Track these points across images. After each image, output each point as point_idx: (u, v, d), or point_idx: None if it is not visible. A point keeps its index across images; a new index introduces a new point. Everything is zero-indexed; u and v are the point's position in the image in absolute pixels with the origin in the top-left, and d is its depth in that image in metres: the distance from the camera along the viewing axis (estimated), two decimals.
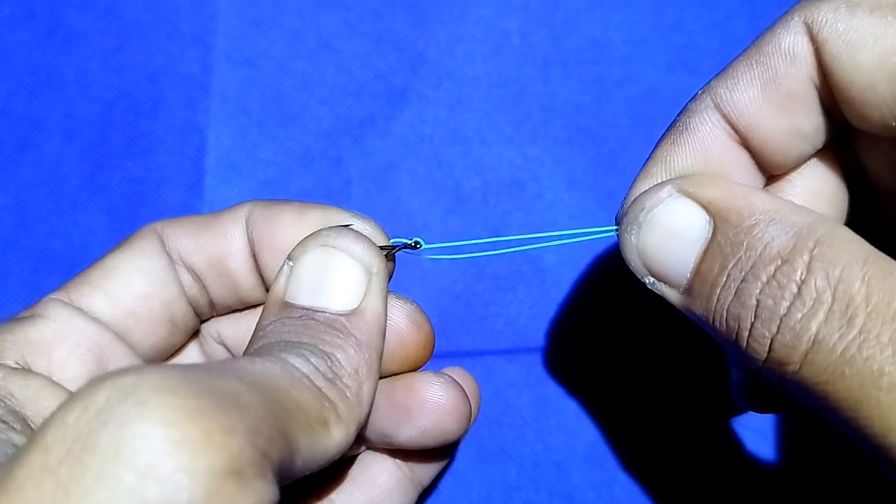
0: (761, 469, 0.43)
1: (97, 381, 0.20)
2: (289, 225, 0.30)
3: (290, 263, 0.28)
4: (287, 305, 0.27)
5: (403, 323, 0.30)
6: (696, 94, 0.30)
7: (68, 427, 0.19)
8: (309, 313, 0.27)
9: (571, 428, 0.43)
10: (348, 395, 0.25)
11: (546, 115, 0.47)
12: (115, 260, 0.30)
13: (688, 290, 0.28)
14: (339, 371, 0.26)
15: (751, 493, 0.43)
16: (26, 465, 0.19)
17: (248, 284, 0.31)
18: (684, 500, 0.43)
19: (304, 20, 0.48)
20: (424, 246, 0.30)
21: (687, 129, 0.29)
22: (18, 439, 0.24)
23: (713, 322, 0.27)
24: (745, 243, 0.26)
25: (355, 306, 0.27)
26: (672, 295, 0.29)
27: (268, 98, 0.47)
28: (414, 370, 0.31)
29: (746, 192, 0.27)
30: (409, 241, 0.30)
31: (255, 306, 0.33)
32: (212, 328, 0.33)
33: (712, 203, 0.27)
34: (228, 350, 0.33)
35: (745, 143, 0.29)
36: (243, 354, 0.27)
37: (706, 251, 0.27)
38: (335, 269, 0.28)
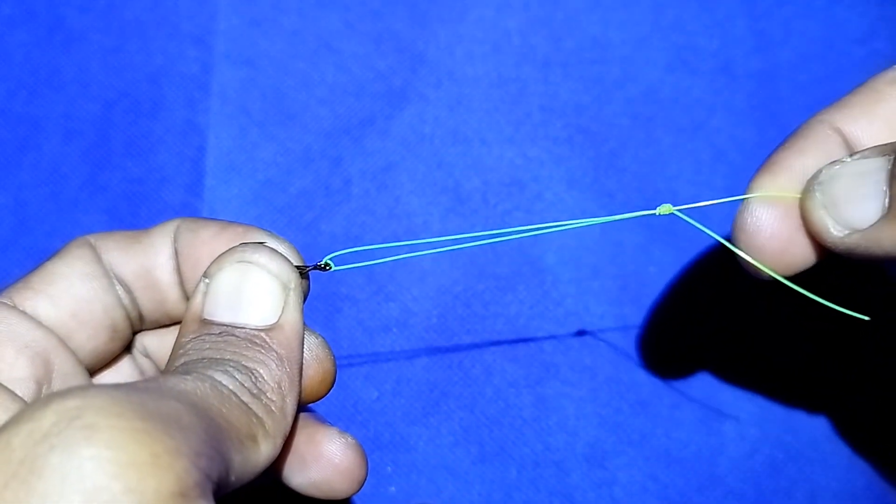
0: (761, 468, 0.43)
1: (41, 403, 0.20)
2: (209, 238, 0.31)
3: (207, 281, 0.28)
4: (205, 322, 0.28)
5: (305, 356, 0.30)
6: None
7: (14, 450, 0.19)
8: (228, 329, 0.27)
9: (571, 428, 0.43)
10: (273, 409, 0.26)
11: (546, 115, 0.47)
12: (55, 266, 0.30)
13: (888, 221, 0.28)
14: (263, 386, 0.26)
15: (751, 492, 0.43)
16: None
17: (175, 297, 0.32)
18: (684, 500, 0.43)
19: (304, 20, 0.48)
20: (335, 268, 0.31)
21: (804, 136, 0.31)
22: None
23: None
24: None
25: (274, 321, 0.27)
26: (870, 234, 0.28)
27: (268, 98, 0.47)
28: (310, 402, 0.31)
29: None
30: (320, 263, 0.31)
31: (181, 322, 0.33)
32: (138, 342, 0.34)
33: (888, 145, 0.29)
34: (154, 363, 0.34)
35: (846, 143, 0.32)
36: (165, 371, 0.27)
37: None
38: (252, 285, 0.28)
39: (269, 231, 0.31)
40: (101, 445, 0.19)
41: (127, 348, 0.33)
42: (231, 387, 0.25)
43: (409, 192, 0.46)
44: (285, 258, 0.29)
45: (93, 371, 0.31)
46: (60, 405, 0.20)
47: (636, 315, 0.44)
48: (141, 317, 0.32)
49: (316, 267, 0.30)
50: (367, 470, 0.31)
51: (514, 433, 0.43)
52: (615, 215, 0.32)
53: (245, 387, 0.25)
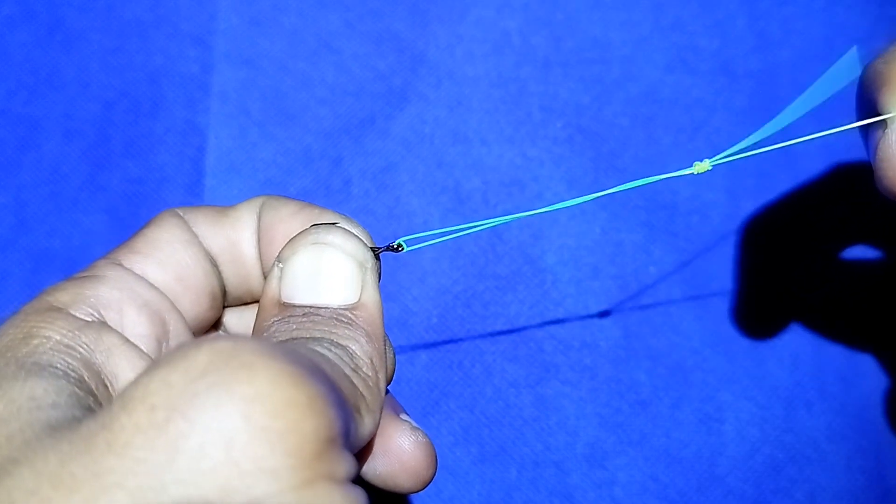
0: (761, 468, 0.43)
1: (192, 344, 0.20)
2: (286, 217, 0.31)
3: (280, 265, 0.28)
4: (286, 306, 0.27)
5: None
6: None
7: (172, 386, 0.19)
8: (313, 310, 0.27)
9: (571, 428, 0.43)
10: (370, 384, 0.26)
11: (546, 115, 0.47)
12: (154, 232, 0.30)
13: None
14: (358, 362, 0.26)
15: (751, 492, 0.43)
16: (129, 424, 0.19)
17: (257, 274, 0.32)
18: (684, 501, 0.43)
19: (304, 20, 0.48)
20: (407, 248, 0.31)
21: None
22: (88, 398, 0.24)
23: None
24: None
25: (356, 300, 0.27)
26: None
27: (268, 98, 0.47)
28: None
29: None
30: (393, 244, 0.31)
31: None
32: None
33: None
34: None
35: None
36: None
37: None
38: (330, 265, 0.28)
39: (342, 214, 0.30)
40: (260, 384, 0.19)
41: (214, 325, 0.33)
42: (334, 360, 0.25)
43: (409, 192, 0.46)
44: (359, 238, 0.28)
45: None
46: (213, 345, 0.20)
47: (636, 315, 0.44)
48: (225, 292, 0.32)
49: (389, 248, 0.30)
50: (436, 470, 0.30)
51: (514, 433, 0.43)
52: (661, 175, 0.30)
53: (344, 361, 0.25)
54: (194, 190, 0.45)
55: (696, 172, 0.30)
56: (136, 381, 0.20)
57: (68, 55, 0.47)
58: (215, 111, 0.46)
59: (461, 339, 0.44)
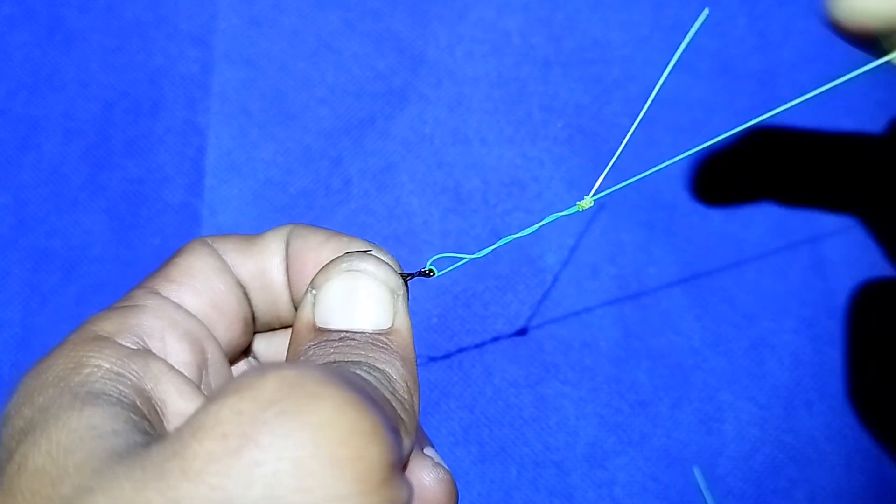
0: (761, 468, 0.43)
1: (257, 373, 0.21)
2: (316, 246, 0.31)
3: (314, 291, 0.29)
4: (322, 331, 0.28)
5: None
6: None
7: (242, 414, 0.20)
8: (348, 335, 0.28)
9: (571, 428, 0.43)
10: (406, 407, 0.26)
11: (546, 115, 0.47)
12: (187, 260, 0.31)
13: None
14: (395, 386, 0.26)
15: (751, 492, 0.43)
16: (202, 452, 0.19)
17: (286, 300, 0.33)
18: (684, 501, 0.43)
19: (304, 20, 0.48)
20: (438, 273, 0.31)
21: None
22: (144, 423, 0.24)
23: None
24: None
25: (389, 325, 0.28)
26: None
27: (268, 98, 0.47)
28: None
29: None
30: (425, 270, 0.31)
31: (289, 326, 0.33)
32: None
33: None
34: None
35: None
36: None
37: None
38: (363, 292, 0.28)
39: (370, 242, 0.31)
40: (327, 412, 0.20)
41: (244, 351, 0.33)
42: (375, 384, 0.25)
43: (409, 192, 0.46)
44: (390, 266, 0.29)
45: None
46: (279, 374, 0.21)
47: (636, 315, 0.44)
48: (254, 318, 0.33)
49: (420, 273, 0.31)
50: None
51: (514, 433, 0.43)
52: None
53: (383, 384, 0.26)
54: (194, 190, 0.45)
55: (580, 210, 0.32)
56: (205, 409, 0.20)
57: (68, 55, 0.47)
58: (215, 111, 0.46)
59: (461, 339, 0.44)
